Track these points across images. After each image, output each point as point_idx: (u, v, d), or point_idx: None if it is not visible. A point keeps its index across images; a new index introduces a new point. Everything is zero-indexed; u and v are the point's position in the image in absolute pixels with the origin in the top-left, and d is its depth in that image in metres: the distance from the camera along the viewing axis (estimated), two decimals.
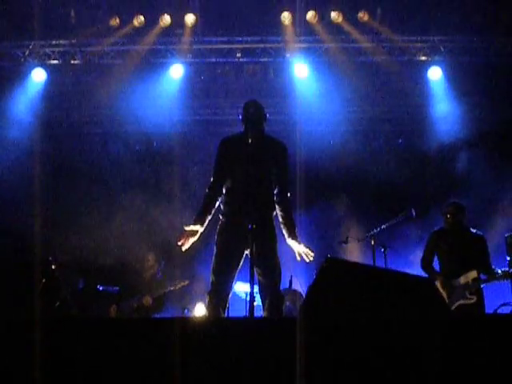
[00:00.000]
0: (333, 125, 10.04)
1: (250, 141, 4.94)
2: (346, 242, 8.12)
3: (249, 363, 2.94)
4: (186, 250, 5.07)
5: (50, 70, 9.60)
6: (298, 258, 5.10)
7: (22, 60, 9.50)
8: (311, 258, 5.03)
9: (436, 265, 7.31)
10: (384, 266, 7.38)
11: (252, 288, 4.65)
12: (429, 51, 9.46)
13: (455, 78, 9.60)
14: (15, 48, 9.46)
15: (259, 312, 5.31)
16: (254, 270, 4.71)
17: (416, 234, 8.09)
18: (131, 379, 2.94)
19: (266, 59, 9.68)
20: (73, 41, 9.38)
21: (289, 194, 5.21)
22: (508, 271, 6.75)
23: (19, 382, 2.92)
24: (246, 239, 4.85)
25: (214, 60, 9.71)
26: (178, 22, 9.23)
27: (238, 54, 9.56)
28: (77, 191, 9.78)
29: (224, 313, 4.87)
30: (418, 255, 7.50)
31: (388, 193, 9.42)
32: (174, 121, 10.06)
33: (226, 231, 5.02)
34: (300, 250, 5.03)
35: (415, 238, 8.01)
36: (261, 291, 4.92)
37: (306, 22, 9.17)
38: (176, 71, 9.64)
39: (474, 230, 7.22)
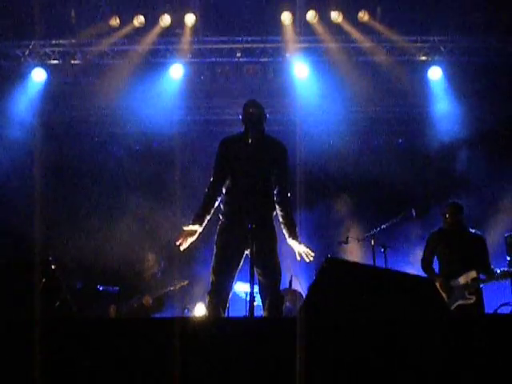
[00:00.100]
0: (333, 125, 10.04)
1: (250, 141, 4.94)
2: (346, 242, 8.12)
3: (249, 363, 2.94)
4: (185, 249, 5.07)
5: (50, 69, 9.60)
6: (298, 258, 5.10)
7: (22, 60, 9.50)
8: (311, 258, 5.03)
9: (436, 265, 7.31)
10: (384, 266, 7.38)
11: (252, 288, 4.65)
12: (429, 51, 9.47)
13: (455, 77, 9.61)
14: (15, 48, 9.46)
15: (259, 312, 5.31)
16: (254, 270, 4.71)
17: (416, 233, 8.09)
18: (131, 379, 2.94)
19: (266, 59, 9.68)
20: (73, 41, 9.38)
21: (289, 194, 5.21)
22: (507, 271, 6.74)
23: (19, 382, 2.92)
24: (245, 239, 4.85)
25: (213, 60, 9.71)
26: (178, 22, 9.24)
27: (238, 54, 9.56)
28: (76, 191, 9.79)
29: (224, 313, 4.87)
30: (418, 255, 7.50)
31: (388, 193, 9.42)
32: (173, 120, 10.05)
33: (226, 231, 5.02)
34: (300, 249, 5.04)
35: (415, 237, 8.01)
36: (261, 291, 4.91)
37: (306, 22, 9.17)
38: (176, 71, 9.64)
39: (473, 230, 7.22)
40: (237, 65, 9.87)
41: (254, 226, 4.75)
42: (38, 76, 9.56)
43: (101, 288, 8.74)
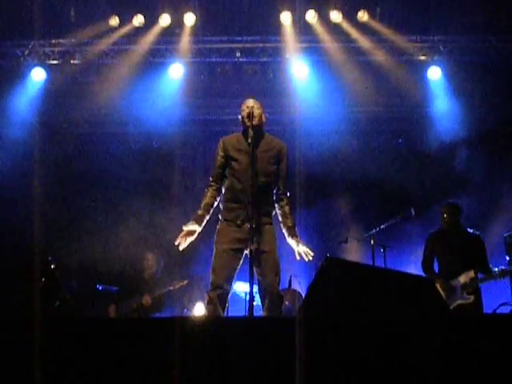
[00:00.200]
0: (332, 124, 10.03)
1: (249, 140, 4.95)
2: (345, 242, 8.12)
3: (248, 363, 2.94)
4: (184, 249, 5.08)
5: (50, 69, 9.59)
6: (298, 258, 5.10)
7: (22, 59, 9.49)
8: (311, 258, 5.03)
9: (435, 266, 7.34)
10: (383, 266, 7.39)
11: (251, 288, 4.66)
12: (428, 51, 9.46)
13: (455, 77, 9.60)
14: (15, 47, 9.45)
15: (259, 312, 5.31)
16: (254, 269, 4.72)
17: (415, 233, 8.09)
18: (131, 379, 2.94)
19: (265, 59, 9.67)
20: (72, 40, 9.37)
21: (288, 194, 5.23)
22: (505, 269, 6.76)
23: (19, 382, 2.92)
24: (245, 239, 4.87)
25: (213, 60, 9.70)
26: (178, 22, 9.23)
27: (238, 54, 9.55)
28: (76, 190, 9.79)
29: (223, 312, 4.87)
30: (417, 255, 7.50)
31: (387, 192, 9.41)
32: (173, 120, 10.04)
33: (225, 231, 5.02)
34: (300, 249, 5.04)
35: (415, 237, 8.01)
36: (260, 291, 4.92)
37: (306, 22, 9.16)
38: (176, 71, 9.64)
39: (471, 230, 7.25)
40: (236, 64, 9.87)
41: (253, 225, 4.77)
42: (38, 76, 9.55)
43: (100, 288, 8.73)
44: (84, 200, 9.73)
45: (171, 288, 8.22)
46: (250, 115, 4.99)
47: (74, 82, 9.99)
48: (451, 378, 2.89)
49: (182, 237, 5.00)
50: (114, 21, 9.17)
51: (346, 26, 9.20)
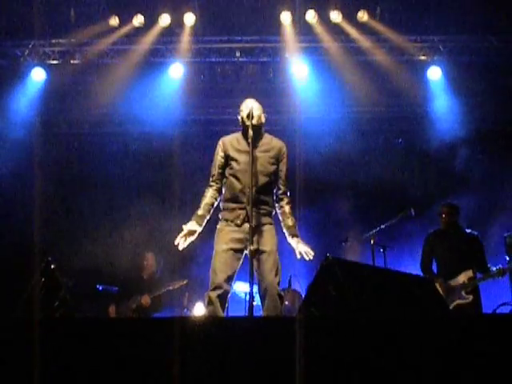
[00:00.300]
0: (332, 124, 10.03)
1: (249, 140, 4.95)
2: (345, 242, 8.12)
3: (248, 363, 2.94)
4: (184, 249, 5.08)
5: (50, 69, 9.58)
6: (298, 257, 5.08)
7: (22, 59, 9.49)
8: (311, 257, 5.02)
9: (434, 266, 7.35)
10: (383, 266, 7.39)
11: (251, 288, 4.66)
12: (428, 51, 9.45)
13: (455, 77, 9.60)
14: (15, 47, 9.45)
15: (258, 312, 5.31)
16: (254, 269, 4.72)
17: (416, 233, 8.08)
18: (131, 379, 2.94)
19: (265, 59, 9.67)
20: (72, 40, 9.37)
21: (288, 193, 5.23)
22: (502, 268, 6.78)
23: (19, 382, 2.92)
24: (245, 239, 4.87)
25: (213, 60, 9.70)
26: (178, 22, 9.23)
27: (238, 54, 9.55)
28: (75, 190, 9.79)
29: (223, 312, 4.87)
30: (417, 255, 7.51)
31: (387, 192, 9.42)
32: (173, 120, 10.05)
33: (225, 231, 5.02)
34: (300, 248, 5.03)
35: (415, 237, 8.00)
36: (260, 291, 4.92)
37: (306, 22, 9.16)
38: (175, 71, 9.64)
39: (469, 230, 7.29)
40: (236, 64, 9.88)
41: (253, 225, 4.77)
42: (38, 75, 9.55)
43: (100, 288, 8.73)
44: (83, 200, 9.73)
45: (171, 288, 8.22)
46: (250, 115, 4.99)
47: (74, 81, 9.99)
48: (451, 378, 2.89)
49: (181, 237, 5.01)
50: (114, 21, 9.17)
51: (346, 25, 9.19)
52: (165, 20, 9.19)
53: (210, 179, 5.19)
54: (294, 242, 5.07)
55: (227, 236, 4.97)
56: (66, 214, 9.55)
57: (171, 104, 9.85)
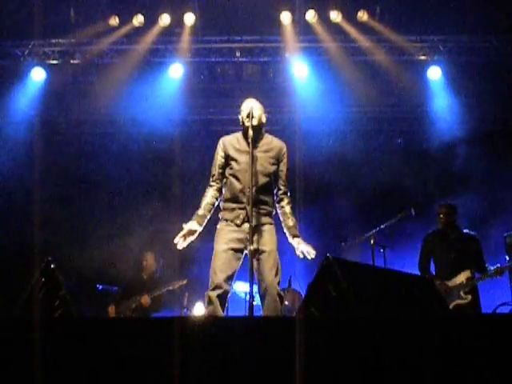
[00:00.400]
0: (332, 124, 10.04)
1: (249, 140, 4.95)
2: (345, 242, 8.12)
3: (248, 363, 2.94)
4: (184, 248, 5.08)
5: (50, 69, 9.58)
6: (301, 256, 5.04)
7: (22, 59, 9.49)
8: (313, 256, 5.01)
9: (432, 266, 7.36)
10: (383, 266, 7.39)
11: (251, 287, 4.66)
12: (428, 51, 9.45)
13: (455, 77, 9.60)
14: (15, 47, 9.45)
15: (258, 312, 5.31)
16: (254, 269, 4.72)
17: (415, 233, 8.08)
18: (130, 379, 2.94)
19: (265, 59, 9.67)
20: (72, 40, 9.37)
21: (289, 193, 5.23)
22: (500, 267, 6.79)
23: (19, 382, 2.92)
24: (245, 239, 4.87)
25: (213, 59, 9.70)
26: (178, 22, 9.23)
27: (238, 54, 9.55)
28: (75, 190, 9.79)
29: (223, 312, 4.87)
30: (417, 255, 7.52)
31: (387, 192, 9.42)
32: (173, 120, 10.05)
33: (225, 230, 5.02)
34: (301, 248, 5.02)
35: (415, 237, 8.00)
36: (260, 291, 4.92)
37: (306, 22, 9.16)
38: (175, 71, 9.63)
39: (467, 231, 7.31)
40: (236, 64, 9.87)
41: (253, 225, 4.77)
42: (38, 75, 9.55)
43: (100, 287, 8.73)
44: (83, 199, 9.74)
45: (170, 288, 8.22)
46: (250, 115, 4.99)
47: (74, 81, 10.00)
48: (451, 378, 2.89)
49: (181, 236, 5.01)
50: (114, 20, 9.17)
51: (346, 25, 9.19)
52: (165, 20, 9.19)
53: (211, 179, 5.20)
54: (295, 242, 5.06)
55: (227, 236, 4.97)
56: (66, 213, 9.53)
57: (171, 104, 9.85)
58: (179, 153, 9.69)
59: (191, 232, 5.02)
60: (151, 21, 9.23)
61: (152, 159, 10.11)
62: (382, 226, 7.52)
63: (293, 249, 5.10)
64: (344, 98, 9.85)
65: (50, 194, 9.23)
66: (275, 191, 5.18)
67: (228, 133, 5.37)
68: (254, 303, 4.88)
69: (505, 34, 9.16)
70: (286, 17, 9.12)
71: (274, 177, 5.14)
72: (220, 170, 5.17)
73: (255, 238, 4.82)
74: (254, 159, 4.92)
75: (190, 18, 9.15)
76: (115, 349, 3.01)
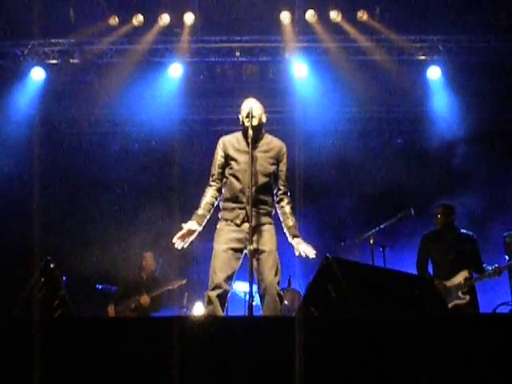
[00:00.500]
0: (332, 124, 10.05)
1: (249, 140, 4.95)
2: (344, 242, 8.12)
3: (247, 362, 2.94)
4: (183, 248, 5.07)
5: (49, 69, 9.59)
6: (303, 255, 5.03)
7: (22, 59, 9.49)
8: (313, 256, 5.00)
9: (430, 267, 7.36)
10: (383, 266, 7.39)
11: (251, 287, 4.66)
12: (428, 51, 9.46)
13: (454, 77, 9.61)
14: (14, 47, 9.45)
15: (258, 311, 5.31)
16: (253, 269, 4.72)
17: (415, 233, 8.08)
18: (130, 379, 2.94)
19: (265, 58, 9.67)
20: (72, 40, 9.37)
21: (289, 193, 5.23)
22: (498, 267, 6.80)
23: (18, 381, 2.92)
24: (245, 238, 4.87)
25: (213, 59, 9.70)
26: (177, 22, 9.23)
27: (237, 54, 9.55)
28: (74, 189, 9.79)
29: (223, 312, 4.87)
30: (416, 255, 7.52)
31: (387, 192, 9.41)
32: (172, 120, 10.05)
33: (225, 230, 5.02)
34: (301, 248, 5.02)
35: (414, 237, 8.00)
36: (260, 291, 4.91)
37: (305, 22, 9.16)
38: (175, 70, 9.63)
39: (464, 231, 7.31)
40: (236, 64, 9.87)
41: (253, 225, 4.77)
42: (37, 75, 9.54)
43: (99, 287, 8.73)
44: (82, 198, 9.74)
45: (170, 287, 8.22)
46: (250, 115, 4.99)
47: (74, 81, 10.00)
48: (451, 378, 2.89)
49: (180, 236, 5.01)
50: (114, 20, 9.17)
51: (346, 25, 9.19)
52: (164, 20, 9.18)
53: (210, 179, 5.19)
54: (295, 242, 5.06)
55: (227, 236, 4.97)
56: (66, 212, 9.54)
57: (170, 104, 9.85)
58: (179, 152, 9.69)
59: (190, 232, 5.02)
60: (151, 20, 9.23)
61: (151, 158, 10.11)
62: (381, 226, 7.51)
63: (292, 249, 5.10)
64: (344, 97, 9.85)
65: (49, 193, 9.23)
66: (275, 191, 5.18)
67: (228, 132, 5.37)
68: (254, 303, 4.88)
69: (504, 33, 9.16)
70: (285, 17, 9.12)
71: (273, 177, 5.14)
72: (220, 170, 5.17)
73: (255, 237, 4.82)
74: (253, 159, 4.92)
75: (189, 18, 9.16)
76: (114, 349, 3.00)
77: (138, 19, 9.18)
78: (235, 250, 4.92)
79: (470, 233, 7.30)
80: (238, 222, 4.96)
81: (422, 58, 9.52)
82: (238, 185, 5.03)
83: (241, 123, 5.14)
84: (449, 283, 6.91)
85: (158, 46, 9.52)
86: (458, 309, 6.77)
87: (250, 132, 4.94)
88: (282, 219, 5.16)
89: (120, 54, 9.56)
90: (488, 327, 3.11)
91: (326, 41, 9.31)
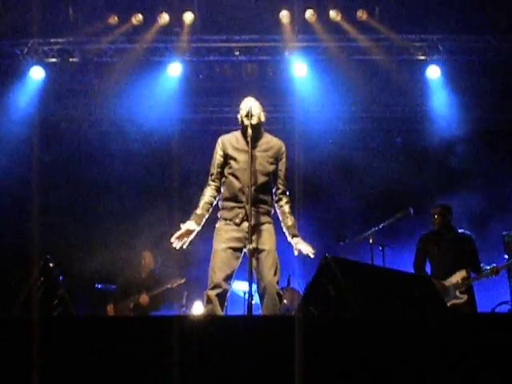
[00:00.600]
0: (331, 123, 10.04)
1: (248, 139, 4.95)
2: (344, 241, 8.12)
3: (247, 362, 2.94)
4: (182, 247, 5.07)
5: (49, 68, 9.58)
6: (304, 253, 5.03)
7: (21, 58, 9.48)
8: (312, 255, 5.00)
9: (428, 267, 7.37)
10: (382, 265, 7.39)
11: (250, 286, 4.66)
12: (427, 50, 9.45)
13: (453, 76, 9.60)
14: (14, 46, 9.43)
15: (257, 311, 5.31)
16: (253, 268, 4.72)
17: (414, 232, 8.08)
18: (129, 378, 2.94)
19: (264, 58, 9.66)
20: (71, 39, 9.35)
21: (287, 192, 5.23)
22: (495, 267, 6.81)
23: (18, 380, 2.92)
24: (244, 238, 4.87)
25: (212, 58, 9.69)
26: (177, 21, 9.21)
27: (237, 53, 9.54)
28: (73, 189, 9.79)
29: (222, 311, 4.87)
30: None
31: (386, 191, 9.41)
32: (172, 119, 10.05)
33: (224, 230, 5.02)
34: (301, 247, 5.02)
35: (413, 236, 8.00)
36: (259, 290, 4.92)
37: (305, 21, 9.15)
38: (174, 69, 9.62)
39: (462, 230, 7.32)
40: (235, 63, 9.86)
41: (252, 224, 4.77)
42: (37, 74, 9.53)
43: (99, 286, 8.73)
44: (81, 197, 9.74)
45: (169, 286, 8.22)
46: (249, 114, 4.99)
47: (73, 80, 10.00)
48: (451, 378, 2.89)
49: (178, 236, 5.00)
50: (113, 19, 9.15)
51: (345, 24, 9.18)
52: (164, 19, 9.17)
53: (209, 178, 5.19)
54: (294, 241, 5.06)
55: (226, 235, 4.97)
56: (64, 211, 9.53)
57: (170, 103, 9.85)
58: (178, 151, 9.68)
59: (189, 232, 5.02)
60: (150, 20, 9.21)
61: (150, 157, 10.11)
62: (380, 225, 7.52)
63: (292, 248, 5.10)
64: (343, 97, 9.85)
65: (48, 192, 9.22)
66: (274, 190, 5.18)
67: (227, 132, 5.37)
68: (253, 302, 4.88)
69: (503, 33, 9.16)
70: (285, 16, 9.10)
71: (272, 176, 5.14)
72: (219, 169, 5.17)
73: (254, 237, 4.82)
74: (252, 158, 4.92)
75: (188, 17, 9.14)
76: (114, 348, 3.01)
77: (138, 18, 9.17)
78: (234, 250, 4.92)
79: (468, 233, 7.31)
80: (238, 221, 4.96)
81: (422, 57, 9.51)
82: (237, 184, 5.03)
83: (240, 122, 5.14)
84: (447, 283, 6.92)
85: (158, 45, 9.51)
86: (456, 308, 6.78)
87: (250, 131, 4.94)
88: (281, 218, 5.16)
89: (119, 53, 9.55)
90: (487, 327, 3.11)
91: (326, 40, 9.30)
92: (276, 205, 5.17)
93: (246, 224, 4.86)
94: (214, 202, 5.16)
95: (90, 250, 8.97)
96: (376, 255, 7.57)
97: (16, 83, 9.58)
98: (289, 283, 7.86)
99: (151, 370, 2.92)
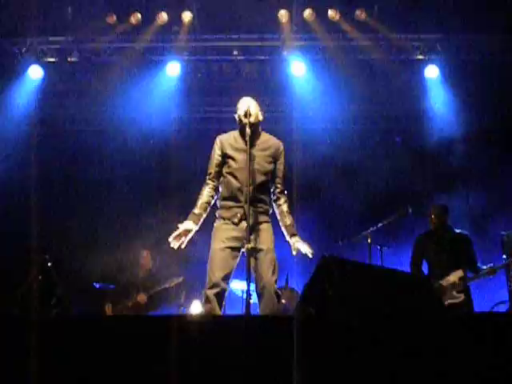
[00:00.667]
0: (330, 123, 10.04)
1: (246, 138, 4.95)
2: (342, 241, 8.12)
3: (245, 361, 2.94)
4: (180, 246, 5.07)
5: (47, 67, 9.57)
6: (302, 252, 5.03)
7: (19, 57, 9.47)
8: (310, 255, 5.00)
9: (426, 267, 7.37)
10: (380, 265, 7.39)
11: (248, 286, 4.66)
12: (426, 50, 9.45)
13: (452, 76, 9.60)
14: (12, 45, 9.43)
15: (255, 310, 5.31)
16: (251, 268, 4.72)
17: (413, 232, 8.08)
18: (128, 377, 2.94)
19: (262, 57, 9.65)
20: (69, 38, 9.35)
21: (286, 192, 5.23)
22: (493, 267, 6.82)
23: (17, 380, 2.92)
24: (242, 237, 4.87)
25: (210, 58, 9.69)
26: (175, 20, 9.20)
27: (235, 52, 9.54)
28: (73, 188, 9.78)
29: (220, 310, 4.87)
30: None
31: (385, 191, 9.41)
32: (170, 118, 10.04)
33: (222, 229, 5.02)
34: (299, 246, 5.02)
35: (412, 236, 8.00)
36: (257, 289, 4.92)
37: (303, 20, 9.15)
38: (173, 69, 9.61)
39: (459, 231, 7.32)
40: (234, 63, 9.86)
41: (250, 223, 4.77)
42: (35, 73, 9.52)
43: (97, 286, 8.73)
44: (80, 196, 9.73)
45: (167, 286, 8.22)
46: (247, 113, 4.99)
47: (72, 79, 9.99)
48: (451, 378, 2.89)
49: (175, 236, 5.00)
50: (112, 18, 9.14)
51: (344, 24, 9.17)
52: (162, 18, 9.16)
53: (207, 177, 5.19)
54: (292, 240, 5.06)
55: (224, 234, 4.97)
56: (63, 210, 9.52)
57: (168, 102, 9.84)
58: (176, 151, 9.68)
59: (186, 232, 5.01)
60: (149, 19, 9.20)
61: (149, 157, 10.10)
62: (379, 225, 7.52)
63: (290, 247, 5.10)
64: (341, 96, 9.83)
65: (46, 191, 9.21)
66: (272, 190, 5.18)
67: (225, 131, 5.36)
68: (251, 301, 4.88)
69: (502, 33, 9.16)
70: (283, 15, 9.10)
71: (271, 175, 5.15)
72: (217, 169, 5.17)
73: (252, 236, 4.82)
74: (251, 158, 4.93)
75: (187, 16, 9.13)
76: (111, 347, 3.01)
77: (136, 17, 9.16)
78: (233, 249, 4.92)
79: (465, 233, 7.32)
80: (236, 220, 4.96)
81: (420, 56, 9.51)
82: (235, 183, 5.03)
83: (238, 121, 5.14)
84: (443, 282, 6.92)
85: (156, 44, 9.50)
86: (453, 308, 6.78)
87: (248, 130, 4.94)
88: (279, 218, 5.16)
89: (118, 53, 9.54)
90: (485, 326, 3.11)
91: (324, 39, 9.29)
92: (274, 204, 5.18)
93: (244, 223, 4.86)
94: (212, 202, 5.16)
95: (88, 250, 8.96)
96: (374, 255, 7.58)
97: (14, 82, 9.57)
98: (287, 283, 7.86)
99: (150, 368, 2.92)
